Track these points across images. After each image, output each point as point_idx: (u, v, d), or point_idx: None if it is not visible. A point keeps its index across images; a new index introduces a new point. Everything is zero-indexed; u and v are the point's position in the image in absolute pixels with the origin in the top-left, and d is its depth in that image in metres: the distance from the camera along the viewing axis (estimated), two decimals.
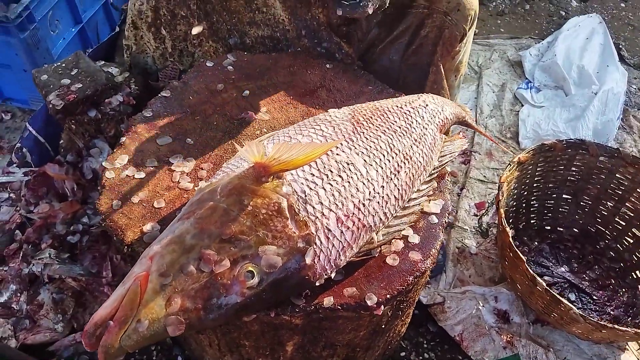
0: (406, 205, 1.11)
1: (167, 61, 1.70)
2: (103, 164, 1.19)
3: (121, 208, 1.11)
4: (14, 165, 1.85)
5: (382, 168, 1.05)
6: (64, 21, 2.17)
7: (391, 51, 1.59)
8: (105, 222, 1.09)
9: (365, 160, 1.03)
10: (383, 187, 1.04)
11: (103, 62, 1.79)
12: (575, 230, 1.92)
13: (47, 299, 1.53)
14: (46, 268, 1.54)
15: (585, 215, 1.89)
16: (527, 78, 2.61)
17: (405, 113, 1.20)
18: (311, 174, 0.96)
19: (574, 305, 1.72)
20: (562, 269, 1.83)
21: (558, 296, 1.40)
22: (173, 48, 1.69)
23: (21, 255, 1.57)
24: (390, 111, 1.18)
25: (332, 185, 0.96)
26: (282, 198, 0.90)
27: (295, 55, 1.56)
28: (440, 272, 1.83)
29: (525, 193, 1.88)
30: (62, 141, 1.84)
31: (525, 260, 1.45)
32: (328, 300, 0.97)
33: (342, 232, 0.95)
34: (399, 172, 1.08)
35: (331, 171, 0.98)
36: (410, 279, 1.03)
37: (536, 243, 1.91)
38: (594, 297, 1.75)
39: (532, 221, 1.94)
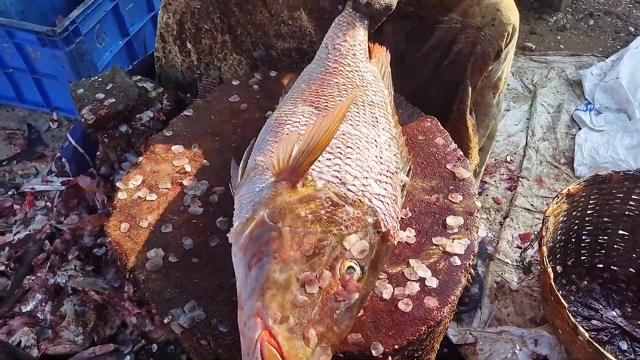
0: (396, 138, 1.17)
1: (194, 74, 1.69)
2: (117, 184, 1.17)
3: (128, 231, 1.08)
4: (53, 174, 1.89)
5: (363, 120, 1.10)
6: (111, 34, 2.23)
7: (422, 67, 1.50)
8: (111, 245, 1.06)
9: (350, 124, 1.07)
10: (375, 133, 1.08)
11: (140, 77, 1.80)
12: (632, 270, 1.73)
13: (69, 310, 1.55)
14: (70, 280, 1.55)
15: None
16: (586, 99, 2.42)
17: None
18: (327, 159, 0.98)
19: (626, 356, 1.57)
20: (614, 313, 1.65)
21: (602, 350, 1.25)
22: (199, 61, 1.68)
23: (48, 265, 1.59)
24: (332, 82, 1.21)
25: (351, 158, 0.99)
26: (326, 191, 0.92)
27: None
28: (475, 307, 1.70)
29: (576, 227, 1.71)
30: (98, 153, 1.87)
31: (567, 306, 1.31)
32: None
33: (385, 189, 0.99)
34: (373, 114, 1.13)
35: (339, 147, 1.00)
36: (424, 328, 0.94)
37: (585, 282, 1.74)
38: None
39: (582, 258, 1.77)
